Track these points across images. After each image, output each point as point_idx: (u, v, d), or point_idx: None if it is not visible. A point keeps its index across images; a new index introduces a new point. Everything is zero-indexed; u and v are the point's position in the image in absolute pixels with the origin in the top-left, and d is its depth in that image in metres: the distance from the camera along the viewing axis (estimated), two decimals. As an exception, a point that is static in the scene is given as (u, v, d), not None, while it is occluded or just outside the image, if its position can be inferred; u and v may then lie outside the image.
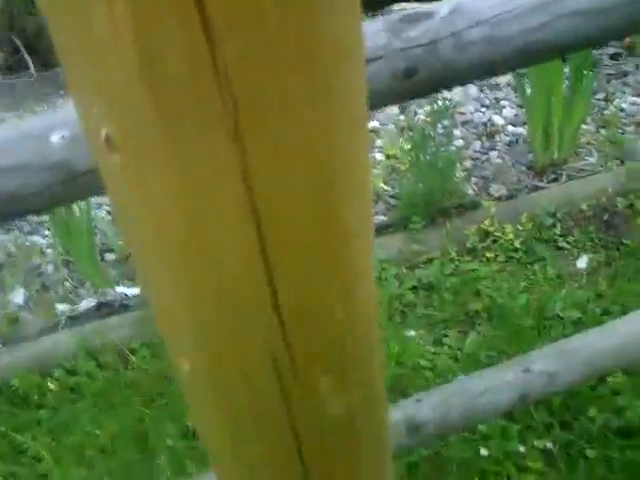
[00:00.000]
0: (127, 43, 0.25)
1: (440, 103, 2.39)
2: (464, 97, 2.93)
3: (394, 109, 2.91)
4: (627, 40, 2.94)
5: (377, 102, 0.78)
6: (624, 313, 1.62)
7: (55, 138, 0.68)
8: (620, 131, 2.67)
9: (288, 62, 0.26)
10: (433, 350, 1.99)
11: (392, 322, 2.08)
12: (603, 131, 2.69)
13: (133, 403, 1.95)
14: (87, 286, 2.33)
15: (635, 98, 2.82)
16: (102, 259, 2.40)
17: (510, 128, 2.76)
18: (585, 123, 2.66)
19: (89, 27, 0.25)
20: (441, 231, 2.33)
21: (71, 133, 0.68)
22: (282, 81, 0.27)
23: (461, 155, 2.62)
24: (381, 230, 2.37)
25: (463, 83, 0.87)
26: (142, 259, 0.35)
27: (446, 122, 2.46)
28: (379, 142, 2.74)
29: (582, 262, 2.19)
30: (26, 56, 3.22)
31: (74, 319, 2.23)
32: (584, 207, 2.35)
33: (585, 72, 2.40)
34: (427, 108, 2.64)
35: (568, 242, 2.27)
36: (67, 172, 0.68)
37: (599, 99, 2.83)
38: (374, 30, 0.77)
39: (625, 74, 2.94)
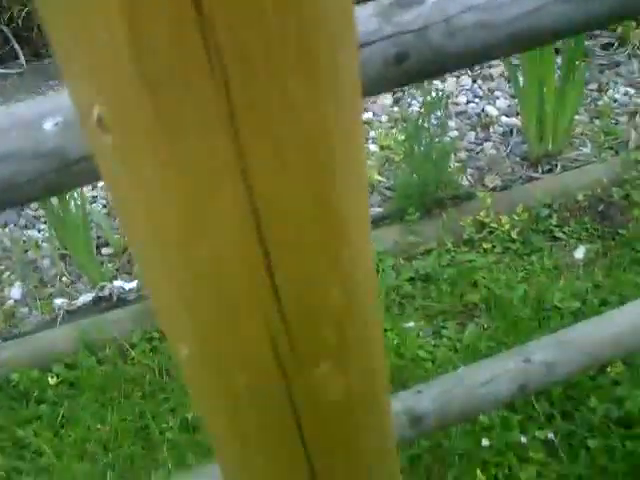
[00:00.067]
0: (115, 14, 0.24)
1: (434, 94, 2.40)
2: (457, 88, 2.94)
3: (387, 100, 2.91)
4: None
5: (369, 89, 0.77)
6: (622, 303, 1.64)
7: (48, 125, 0.67)
8: (613, 121, 2.69)
9: (286, 57, 0.27)
10: (432, 342, 2.00)
11: (390, 313, 2.09)
12: (597, 121, 2.70)
13: (133, 397, 1.96)
14: (84, 280, 2.32)
15: (628, 88, 2.83)
16: (99, 253, 2.39)
17: (504, 119, 2.76)
18: (578, 114, 2.67)
19: (78, 2, 0.25)
20: (437, 222, 2.33)
21: (64, 120, 0.67)
22: (282, 79, 0.27)
23: (455, 146, 2.62)
24: (377, 222, 2.37)
25: (455, 69, 0.87)
26: (141, 253, 0.35)
27: (440, 113, 2.47)
28: (372, 133, 2.74)
29: (579, 253, 2.21)
30: (16, 46, 3.19)
31: (72, 313, 2.23)
32: (580, 197, 2.37)
33: (577, 63, 2.41)
34: (421, 99, 2.64)
35: (564, 233, 2.29)
36: (61, 159, 0.68)
37: (592, 90, 2.84)
38: (365, 15, 0.76)
39: (617, 64, 2.95)
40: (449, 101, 2.83)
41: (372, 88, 0.79)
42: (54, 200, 2.17)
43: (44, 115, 0.67)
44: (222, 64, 0.26)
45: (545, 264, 2.18)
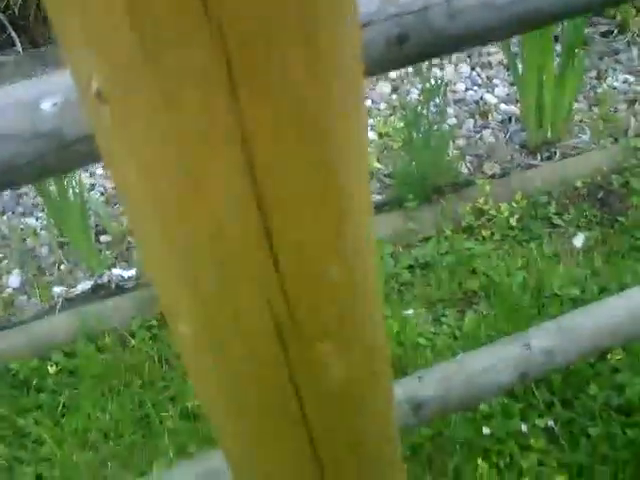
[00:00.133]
0: None
1: (432, 82, 2.39)
2: (456, 75, 2.93)
3: (386, 88, 2.90)
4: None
5: (370, 70, 0.77)
6: (621, 290, 1.63)
7: (46, 105, 0.66)
8: (612, 109, 2.68)
9: (286, 25, 0.26)
10: (432, 329, 2.00)
11: (390, 301, 2.08)
12: (596, 109, 2.69)
13: (133, 385, 1.96)
14: (83, 268, 2.32)
15: (627, 76, 2.83)
16: (97, 241, 2.39)
17: (503, 106, 2.76)
18: (577, 101, 2.66)
19: None
20: (436, 209, 2.33)
21: (63, 100, 0.66)
22: (281, 49, 0.27)
23: (454, 133, 2.62)
24: (376, 209, 2.37)
25: (456, 50, 0.87)
26: (141, 230, 0.35)
27: (438, 101, 2.46)
28: (371, 121, 2.74)
29: (578, 240, 2.21)
30: (13, 34, 3.17)
31: (70, 301, 2.22)
32: (579, 185, 2.36)
33: (577, 50, 2.40)
34: (419, 87, 2.63)
35: (563, 220, 2.28)
36: (59, 141, 0.67)
37: (591, 77, 2.83)
38: (366, -5, 0.76)
39: (617, 52, 2.94)
40: (448, 89, 2.82)
41: (375, 69, 0.78)
42: (52, 188, 2.17)
43: (42, 95, 0.66)
44: (222, 32, 0.25)
45: (544, 251, 2.18)
